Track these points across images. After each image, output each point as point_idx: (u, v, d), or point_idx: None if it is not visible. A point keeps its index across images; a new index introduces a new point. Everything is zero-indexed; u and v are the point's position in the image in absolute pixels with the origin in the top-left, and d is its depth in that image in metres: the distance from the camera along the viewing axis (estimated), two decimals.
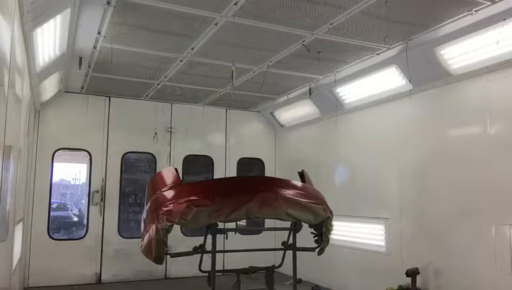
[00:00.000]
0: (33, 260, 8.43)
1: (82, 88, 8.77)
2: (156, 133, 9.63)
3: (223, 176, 9.79)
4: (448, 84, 6.24)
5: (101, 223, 9.09)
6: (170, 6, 4.99)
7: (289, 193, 4.98)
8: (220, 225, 5.10)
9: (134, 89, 8.79)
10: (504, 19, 4.97)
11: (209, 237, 5.04)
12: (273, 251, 7.11)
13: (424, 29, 5.58)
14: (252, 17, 5.30)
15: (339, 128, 8.45)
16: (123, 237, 9.23)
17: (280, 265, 5.92)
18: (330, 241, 5.42)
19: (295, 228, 5.51)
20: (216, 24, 5.48)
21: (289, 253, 5.67)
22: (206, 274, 5.22)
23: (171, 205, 4.54)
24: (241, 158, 10.58)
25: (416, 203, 6.71)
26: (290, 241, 5.60)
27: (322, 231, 5.30)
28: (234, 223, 6.07)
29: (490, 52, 5.44)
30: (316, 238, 5.42)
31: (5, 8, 3.24)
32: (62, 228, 14.51)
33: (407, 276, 6.25)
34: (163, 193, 4.89)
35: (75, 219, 18.34)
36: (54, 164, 8.92)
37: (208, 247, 5.09)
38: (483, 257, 5.55)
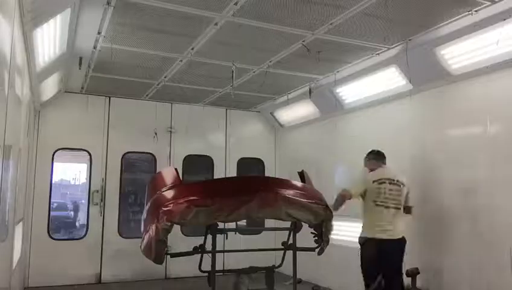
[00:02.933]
0: (33, 260, 8.42)
1: (82, 88, 8.76)
2: (156, 133, 9.61)
3: (223, 176, 9.78)
4: (448, 84, 6.23)
5: (101, 223, 9.10)
6: (170, 6, 4.99)
7: (289, 193, 4.98)
8: (220, 225, 5.11)
9: (134, 89, 8.79)
10: (504, 19, 4.96)
11: (209, 237, 5.04)
12: (273, 251, 7.10)
13: (424, 29, 5.57)
14: (252, 17, 5.29)
15: (339, 129, 8.44)
16: (123, 237, 9.22)
17: (280, 265, 5.92)
18: (330, 241, 5.42)
19: (295, 228, 5.51)
20: (216, 24, 5.48)
21: (289, 253, 5.67)
22: (206, 274, 5.22)
23: (171, 205, 4.54)
24: (241, 158, 10.57)
25: (416, 203, 6.70)
26: (290, 241, 5.60)
27: (321, 231, 5.30)
28: (234, 223, 6.08)
29: (490, 52, 5.42)
30: (316, 238, 5.42)
31: (5, 8, 3.24)
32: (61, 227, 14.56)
33: (407, 276, 6.24)
34: (163, 193, 4.90)
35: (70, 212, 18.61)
36: (54, 164, 8.92)
37: (208, 247, 5.09)
38: (483, 256, 5.55)
